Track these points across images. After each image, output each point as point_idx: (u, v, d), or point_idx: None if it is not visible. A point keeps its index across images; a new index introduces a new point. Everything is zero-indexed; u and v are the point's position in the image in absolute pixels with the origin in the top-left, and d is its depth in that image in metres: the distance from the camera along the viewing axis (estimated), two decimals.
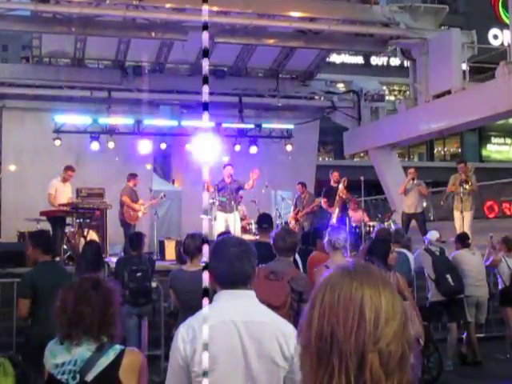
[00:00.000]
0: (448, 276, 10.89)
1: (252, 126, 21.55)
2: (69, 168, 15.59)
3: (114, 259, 12.31)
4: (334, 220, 16.33)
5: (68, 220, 15.53)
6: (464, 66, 19.17)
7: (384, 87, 28.74)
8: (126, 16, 17.85)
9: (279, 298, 6.31)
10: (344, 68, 41.64)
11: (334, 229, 7.69)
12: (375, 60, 45.71)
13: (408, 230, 17.22)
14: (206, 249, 2.39)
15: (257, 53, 21.76)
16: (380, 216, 19.58)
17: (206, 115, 2.27)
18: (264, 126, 21.64)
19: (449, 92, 18.83)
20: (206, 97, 2.20)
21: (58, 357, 3.64)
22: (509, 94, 16.47)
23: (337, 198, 16.68)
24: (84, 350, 3.60)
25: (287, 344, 3.26)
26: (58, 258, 14.41)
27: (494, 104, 16.99)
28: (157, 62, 22.05)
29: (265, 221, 9.45)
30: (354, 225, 16.84)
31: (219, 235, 10.08)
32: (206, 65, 2.20)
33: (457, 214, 16.50)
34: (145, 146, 20.24)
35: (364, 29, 19.76)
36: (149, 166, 21.91)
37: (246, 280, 3.41)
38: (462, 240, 12.02)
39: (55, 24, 18.11)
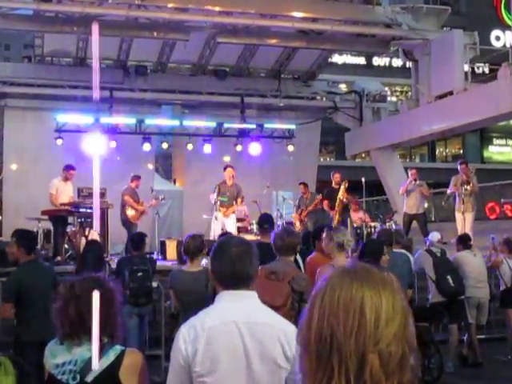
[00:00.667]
0: (448, 277, 10.88)
1: (254, 126, 21.55)
2: (69, 167, 15.58)
3: (116, 259, 12.34)
4: (334, 223, 16.32)
5: (69, 219, 15.55)
6: (466, 67, 19.16)
7: (386, 88, 28.72)
8: (128, 15, 17.84)
9: (280, 299, 6.30)
10: (346, 68, 41.57)
11: (337, 230, 7.66)
12: (377, 61, 45.67)
13: (409, 230, 17.22)
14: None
15: (259, 53, 21.75)
16: (381, 217, 19.58)
17: None
18: (266, 126, 21.65)
19: (451, 93, 18.81)
20: None
21: (58, 357, 3.63)
22: (511, 95, 16.46)
23: (337, 201, 16.69)
24: (84, 350, 3.59)
25: (289, 345, 3.25)
26: (59, 258, 14.47)
27: (496, 105, 16.98)
28: (159, 62, 22.03)
29: (266, 221, 9.45)
30: (355, 225, 16.86)
31: (220, 236, 10.09)
32: None
33: (458, 215, 16.49)
34: (146, 146, 20.26)
35: (366, 29, 19.73)
36: (150, 166, 21.92)
37: (247, 280, 3.41)
38: (464, 241, 12.01)
39: (57, 23, 18.12)
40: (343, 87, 26.76)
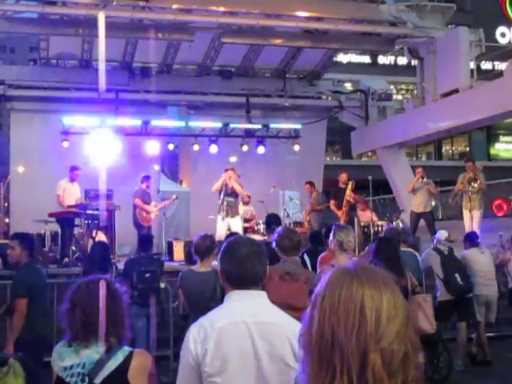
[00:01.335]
0: (457, 275, 10.85)
1: (259, 126, 21.54)
2: (75, 167, 15.62)
3: (123, 260, 12.35)
4: (341, 223, 16.31)
5: (76, 221, 15.57)
6: (472, 65, 19.13)
7: (391, 86, 28.72)
8: (132, 17, 17.88)
9: (301, 299, 6.30)
10: (351, 67, 41.57)
11: (341, 229, 7.65)
12: (382, 59, 45.60)
13: (417, 229, 17.19)
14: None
15: (264, 53, 21.76)
16: (388, 215, 19.55)
17: None
18: (271, 126, 21.64)
19: (456, 91, 18.79)
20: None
21: (66, 359, 3.63)
22: None
23: (344, 202, 16.67)
24: (92, 353, 3.59)
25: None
26: (67, 259, 14.49)
27: (502, 102, 16.94)
28: (164, 63, 22.07)
29: (273, 221, 9.46)
30: (362, 225, 16.83)
31: (228, 236, 10.09)
32: None
33: (466, 213, 16.45)
34: (152, 147, 20.27)
35: (371, 28, 19.73)
36: (156, 167, 21.93)
37: (256, 280, 3.41)
38: (471, 239, 11.98)
39: (62, 26, 18.16)
40: (348, 86, 26.78)
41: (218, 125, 21.27)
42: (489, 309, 11.47)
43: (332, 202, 17.27)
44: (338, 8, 19.08)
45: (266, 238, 14.26)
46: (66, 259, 14.57)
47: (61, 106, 20.87)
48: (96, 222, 15.08)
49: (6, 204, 23.79)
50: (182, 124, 21.17)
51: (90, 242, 14.09)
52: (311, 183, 18.76)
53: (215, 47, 21.10)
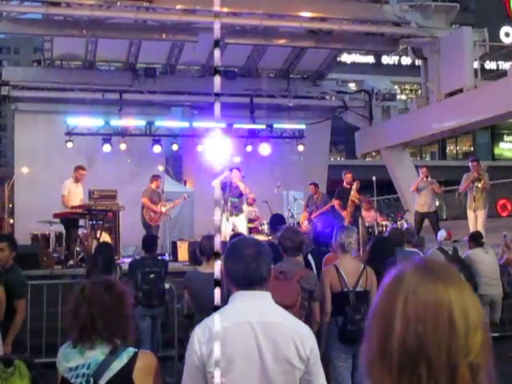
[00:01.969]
0: (461, 275, 10.84)
1: (263, 126, 21.55)
2: (79, 167, 15.62)
3: (127, 261, 12.37)
4: (346, 223, 16.29)
5: (81, 222, 15.58)
6: (476, 64, 19.11)
7: (395, 86, 28.67)
8: (136, 18, 17.90)
9: (290, 298, 6.34)
10: (355, 67, 41.56)
11: (343, 230, 7.65)
12: (386, 59, 45.64)
13: (421, 229, 17.16)
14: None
15: (267, 53, 21.77)
16: (392, 215, 19.53)
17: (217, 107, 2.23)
18: (275, 126, 21.66)
19: (461, 90, 18.77)
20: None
21: (71, 360, 3.63)
22: None
23: (349, 202, 16.65)
24: (97, 354, 3.59)
25: (303, 345, 3.26)
26: (71, 261, 14.51)
27: (507, 102, 16.91)
28: (168, 64, 22.08)
29: (278, 222, 9.45)
30: (367, 225, 16.82)
31: (233, 236, 10.10)
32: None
33: (470, 213, 16.41)
34: (156, 148, 20.29)
35: (375, 28, 19.72)
36: (161, 168, 21.95)
37: (261, 281, 3.41)
38: (476, 239, 11.96)
39: (66, 27, 18.18)
40: (352, 86, 26.73)
41: (222, 125, 21.27)
42: (493, 309, 11.45)
43: (336, 202, 17.24)
44: (342, 8, 19.07)
45: (270, 238, 14.25)
46: (71, 261, 14.58)
47: (65, 107, 20.92)
48: (100, 222, 15.08)
49: (10, 205, 23.85)
50: (185, 124, 21.19)
51: (95, 242, 14.10)
52: (315, 184, 18.74)
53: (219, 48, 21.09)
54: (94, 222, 15.01)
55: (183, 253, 16.65)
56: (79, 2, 17.12)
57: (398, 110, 23.80)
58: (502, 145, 50.89)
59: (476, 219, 15.93)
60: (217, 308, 3.22)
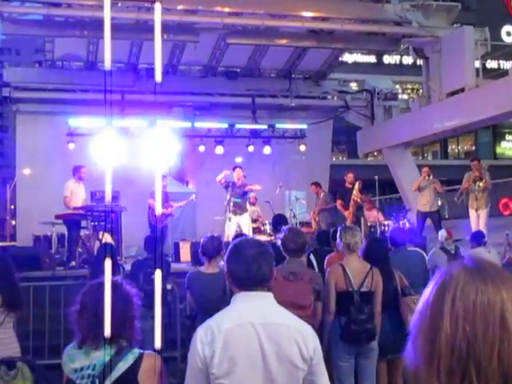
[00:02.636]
0: None
1: (265, 126, 21.55)
2: (80, 167, 15.55)
3: (130, 262, 12.37)
4: (348, 223, 16.30)
5: (83, 223, 15.58)
6: (477, 64, 19.09)
7: (397, 86, 28.71)
8: (138, 18, 17.88)
9: (306, 298, 6.36)
10: (357, 67, 41.53)
11: (347, 230, 7.64)
12: (388, 59, 45.56)
13: (423, 228, 17.15)
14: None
15: (269, 53, 21.75)
16: (394, 215, 19.52)
17: None
18: (277, 126, 21.65)
19: (462, 90, 18.75)
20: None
21: (76, 361, 3.63)
22: None
23: (351, 202, 16.65)
24: (103, 355, 3.59)
25: (306, 346, 3.25)
26: (73, 263, 14.51)
27: (508, 101, 16.89)
28: (169, 64, 22.08)
29: (280, 222, 9.45)
30: (369, 224, 16.82)
31: (235, 237, 10.09)
32: None
33: (472, 212, 16.42)
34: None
35: (376, 28, 19.69)
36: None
37: (263, 282, 3.41)
38: (478, 238, 11.97)
39: (67, 27, 18.19)
40: (354, 86, 26.70)
41: (224, 125, 21.29)
42: None
43: (339, 202, 17.25)
44: (344, 8, 19.06)
45: (272, 238, 14.26)
46: (73, 262, 14.57)
47: (66, 108, 20.89)
48: (102, 223, 15.08)
49: (12, 206, 23.86)
50: (187, 125, 21.18)
51: (97, 243, 14.10)
52: (317, 184, 18.74)
53: (220, 48, 21.10)
54: (96, 223, 15.02)
55: (185, 253, 16.67)
56: (80, 2, 17.12)
57: (400, 110, 23.76)
58: (503, 144, 50.81)
59: (478, 218, 15.93)
60: (219, 309, 3.22)
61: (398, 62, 45.86)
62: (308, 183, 19.20)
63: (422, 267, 9.81)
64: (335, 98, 24.52)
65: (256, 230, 17.73)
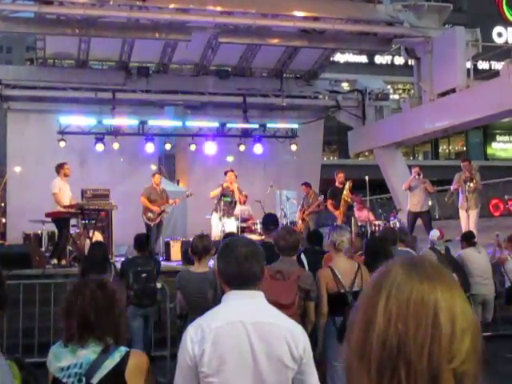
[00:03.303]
0: (453, 275, 10.84)
1: (256, 125, 21.58)
2: (64, 164, 15.33)
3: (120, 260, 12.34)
4: (338, 223, 16.31)
5: (73, 221, 15.53)
6: (468, 64, 19.14)
7: (388, 86, 28.72)
8: (129, 17, 17.85)
9: (288, 297, 6.35)
10: (348, 67, 41.59)
11: (336, 228, 7.66)
12: (379, 59, 45.66)
13: (414, 228, 17.19)
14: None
15: (261, 53, 21.75)
16: (385, 215, 19.55)
17: None
18: (268, 125, 21.68)
19: (453, 90, 18.79)
20: None
21: (62, 360, 3.62)
22: None
23: (341, 202, 16.65)
24: (89, 353, 3.58)
25: (296, 345, 3.26)
26: (64, 261, 14.46)
27: (499, 102, 16.95)
28: (161, 63, 22.06)
29: (271, 221, 9.43)
30: (359, 224, 16.83)
31: (225, 236, 10.11)
32: None
33: (462, 213, 16.45)
34: (149, 147, 20.28)
35: (368, 28, 19.71)
36: (153, 167, 21.93)
37: (254, 281, 3.41)
38: (468, 238, 11.99)
39: (59, 25, 18.12)
40: (345, 86, 26.74)
41: (215, 124, 21.29)
42: (485, 308, 11.48)
43: (329, 202, 17.24)
44: (335, 8, 19.07)
45: (263, 237, 14.24)
46: (63, 261, 14.50)
47: (57, 106, 20.87)
48: (93, 221, 15.04)
49: (2, 204, 23.80)
50: (178, 124, 21.17)
51: (87, 242, 14.07)
52: (307, 184, 18.74)
53: (212, 47, 21.10)
54: (87, 222, 14.98)
55: (176, 252, 16.63)
56: (72, 0, 17.06)
57: (391, 110, 23.81)
58: (494, 145, 50.97)
59: (468, 219, 15.96)
60: (210, 308, 3.21)
61: (389, 63, 45.97)
62: (299, 183, 19.20)
63: None
64: (326, 98, 24.54)
65: (247, 230, 17.71)
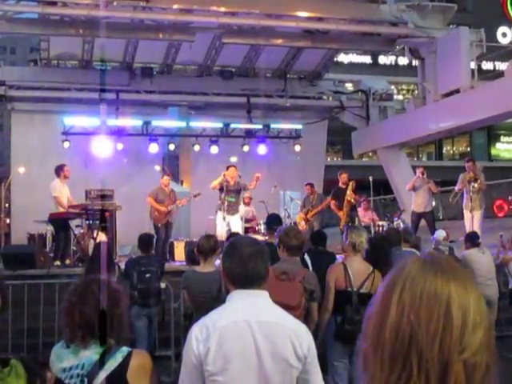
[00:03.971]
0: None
1: (260, 126, 21.59)
2: (63, 165, 15.34)
3: (124, 260, 12.35)
4: (342, 223, 16.31)
5: (78, 222, 15.55)
6: (473, 65, 19.12)
7: (392, 86, 28.69)
8: (133, 18, 17.88)
9: (295, 298, 6.35)
10: (352, 67, 41.58)
11: (354, 229, 7.66)
12: (383, 59, 45.63)
13: (417, 229, 17.17)
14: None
15: (264, 53, 21.75)
16: (389, 216, 19.54)
17: None
18: (272, 126, 21.69)
19: (457, 91, 18.78)
20: None
21: (64, 361, 3.61)
22: None
23: (345, 202, 16.64)
24: (91, 354, 3.56)
25: (300, 344, 3.26)
26: (68, 261, 14.50)
27: (503, 102, 16.93)
28: (165, 64, 22.07)
29: (274, 222, 9.44)
30: (363, 225, 16.82)
31: (229, 236, 10.12)
32: None
33: (466, 213, 16.42)
34: (153, 147, 20.30)
35: (372, 28, 19.70)
36: (157, 167, 21.94)
37: (259, 280, 3.42)
38: (472, 239, 11.97)
39: (63, 26, 18.15)
40: (349, 86, 26.73)
41: (219, 125, 21.31)
42: (489, 309, 11.43)
43: (333, 203, 17.22)
44: (339, 8, 19.07)
45: (266, 238, 14.25)
46: (68, 261, 14.54)
47: (61, 107, 20.90)
48: (97, 222, 15.05)
49: (6, 205, 23.82)
50: (182, 124, 21.20)
51: (91, 242, 14.09)
52: (311, 184, 18.72)
53: (216, 47, 21.11)
54: (91, 222, 14.99)
55: (180, 252, 16.64)
56: (76, 1, 17.09)
57: (395, 110, 23.79)
58: (498, 145, 50.93)
59: (472, 219, 15.93)
60: (215, 307, 3.22)
61: (393, 63, 45.94)
62: (303, 183, 19.18)
63: None
64: (330, 99, 24.55)
65: (250, 230, 17.73)
